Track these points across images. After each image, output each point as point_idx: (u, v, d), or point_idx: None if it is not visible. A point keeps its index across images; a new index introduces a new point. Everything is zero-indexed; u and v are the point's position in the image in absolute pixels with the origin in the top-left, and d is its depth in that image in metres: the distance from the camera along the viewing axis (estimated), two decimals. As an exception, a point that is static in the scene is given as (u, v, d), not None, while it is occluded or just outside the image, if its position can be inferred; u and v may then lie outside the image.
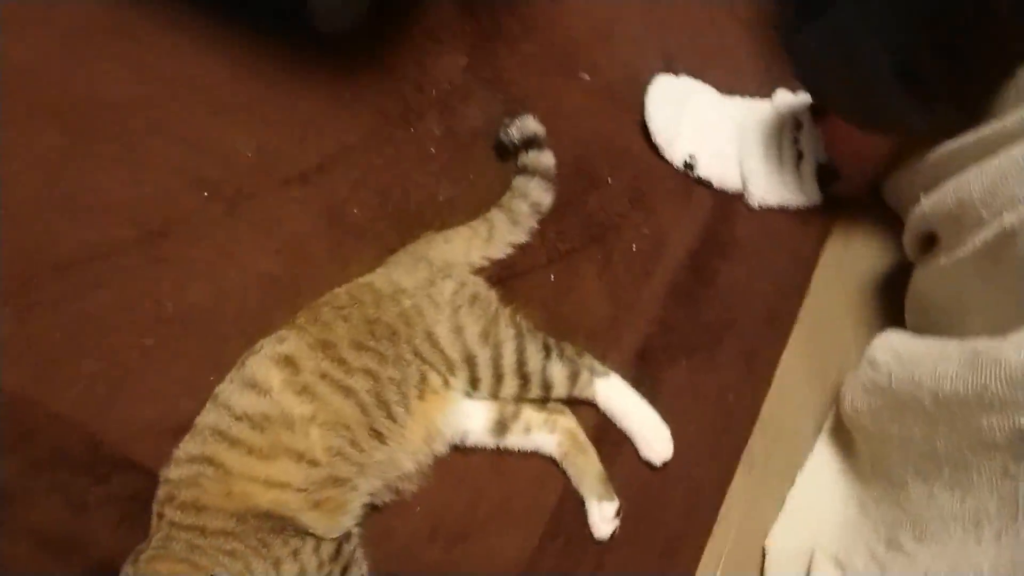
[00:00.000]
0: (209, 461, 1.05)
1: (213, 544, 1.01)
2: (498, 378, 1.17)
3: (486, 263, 1.29)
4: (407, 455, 1.13)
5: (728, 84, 1.47)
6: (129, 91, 1.37)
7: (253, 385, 1.09)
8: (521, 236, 1.32)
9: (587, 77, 1.48)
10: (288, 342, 1.12)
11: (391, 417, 1.11)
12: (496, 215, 1.30)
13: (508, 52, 1.48)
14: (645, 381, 1.25)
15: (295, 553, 1.04)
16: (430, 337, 1.15)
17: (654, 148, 1.42)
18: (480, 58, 1.47)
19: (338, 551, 1.07)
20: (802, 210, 1.41)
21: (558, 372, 1.19)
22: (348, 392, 1.10)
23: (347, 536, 1.10)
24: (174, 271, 1.27)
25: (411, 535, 1.16)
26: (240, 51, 1.42)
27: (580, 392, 1.21)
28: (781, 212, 1.41)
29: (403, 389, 1.12)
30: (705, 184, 1.41)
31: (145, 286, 1.25)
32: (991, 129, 1.06)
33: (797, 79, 1.31)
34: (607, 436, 1.23)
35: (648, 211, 1.39)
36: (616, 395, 1.22)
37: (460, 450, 1.20)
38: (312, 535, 1.06)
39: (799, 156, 1.37)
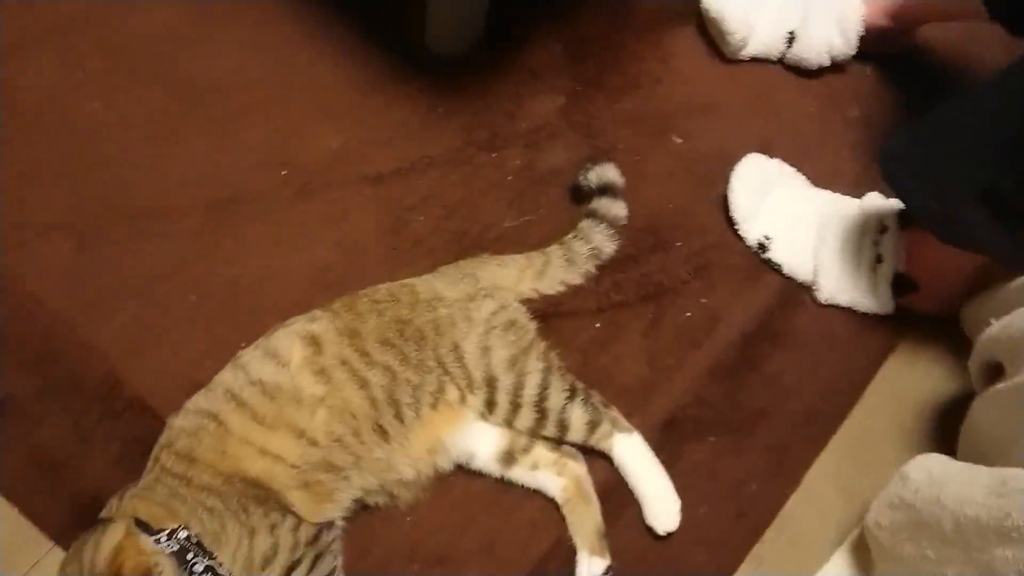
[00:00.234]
0: (214, 417, 1.06)
1: (195, 497, 1.01)
2: (515, 407, 1.14)
3: (535, 295, 1.28)
4: (408, 460, 1.11)
5: (820, 178, 1.44)
6: (237, 70, 1.45)
7: (275, 356, 1.10)
8: (575, 278, 1.30)
9: (679, 141, 1.48)
10: (319, 323, 1.14)
11: (399, 418, 1.10)
12: (554, 251, 1.30)
13: (605, 103, 1.49)
14: (666, 450, 1.21)
15: (273, 527, 1.03)
16: (456, 350, 1.14)
17: (730, 223, 1.40)
18: (576, 103, 1.49)
19: (316, 537, 1.05)
20: (870, 316, 1.35)
21: (578, 416, 1.16)
22: (363, 383, 1.10)
23: (329, 525, 1.08)
24: (233, 240, 1.31)
25: (393, 546, 1.14)
26: (348, 52, 1.49)
27: (597, 443, 1.18)
28: (848, 313, 1.35)
29: (417, 394, 1.12)
30: (774, 268, 1.37)
31: (203, 249, 1.30)
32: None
33: (886, 181, 1.28)
34: (615, 494, 1.18)
35: (710, 283, 1.36)
36: (634, 454, 1.18)
37: (465, 473, 1.17)
38: (294, 514, 1.05)
39: (878, 259, 1.33)
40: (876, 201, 1.37)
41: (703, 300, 1.35)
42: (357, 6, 1.53)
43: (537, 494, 1.17)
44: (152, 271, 1.27)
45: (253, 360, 1.11)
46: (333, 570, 1.06)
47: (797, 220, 1.38)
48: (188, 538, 0.96)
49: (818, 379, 1.32)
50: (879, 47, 1.56)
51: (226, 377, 1.10)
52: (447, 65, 1.49)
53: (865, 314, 1.35)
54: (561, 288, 1.30)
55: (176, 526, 0.97)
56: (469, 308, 1.18)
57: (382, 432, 1.10)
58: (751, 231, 1.38)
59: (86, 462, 1.13)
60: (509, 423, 1.16)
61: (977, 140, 1.10)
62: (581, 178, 1.36)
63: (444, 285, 1.21)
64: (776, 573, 1.19)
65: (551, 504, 1.17)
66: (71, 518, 1.09)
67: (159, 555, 0.93)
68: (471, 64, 1.49)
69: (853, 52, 1.54)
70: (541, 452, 1.17)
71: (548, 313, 1.28)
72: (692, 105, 1.53)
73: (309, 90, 1.45)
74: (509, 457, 1.16)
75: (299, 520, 1.05)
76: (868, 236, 1.34)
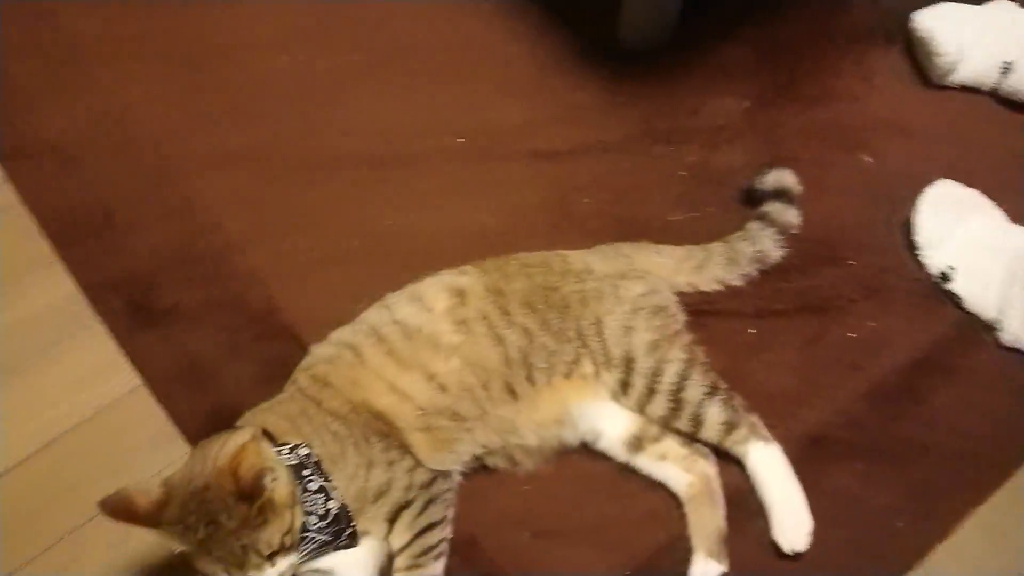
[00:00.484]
0: (353, 349, 1.09)
1: (322, 419, 1.04)
2: (650, 392, 1.11)
3: (690, 290, 1.25)
4: (532, 425, 1.10)
5: (1018, 219, 1.33)
6: (433, 36, 1.50)
7: (420, 300, 1.13)
8: (735, 279, 1.26)
9: (868, 159, 1.40)
10: (467, 276, 1.15)
11: (530, 380, 1.10)
12: (717, 248, 1.26)
13: (794, 111, 1.45)
14: (806, 468, 1.13)
15: (391, 463, 1.04)
16: (598, 324, 1.13)
17: (911, 247, 1.31)
18: (763, 108, 1.45)
19: (431, 482, 1.06)
20: (1058, 367, 1.23)
21: (715, 414, 1.11)
22: (499, 340, 1.10)
23: (446, 475, 1.08)
24: (401, 194, 1.36)
25: (506, 510, 1.12)
26: (540, 35, 1.52)
27: (732, 446, 1.12)
28: (1033, 360, 1.23)
29: (552, 360, 1.11)
30: (954, 300, 1.27)
31: (373, 198, 1.36)
32: None
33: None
34: (744, 503, 1.11)
35: (881, 306, 1.27)
36: (769, 465, 1.11)
37: (589, 454, 1.15)
38: (412, 456, 1.06)
39: (1075, 308, 1.20)
40: (1082, 247, 1.25)
41: (871, 323, 1.27)
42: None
43: (660, 486, 1.13)
44: (321, 211, 1.34)
45: (399, 301, 1.14)
46: (443, 519, 1.06)
47: (988, 254, 1.27)
48: (308, 456, 0.99)
49: (990, 424, 1.20)
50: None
51: (371, 314, 1.14)
52: (634, 57, 1.48)
53: (1052, 364, 1.23)
54: (718, 287, 1.26)
55: (299, 442, 0.99)
56: (618, 285, 1.16)
57: (511, 391, 1.09)
58: (935, 258, 1.29)
59: (229, 376, 1.19)
60: (642, 408, 1.12)
61: None
62: (757, 179, 1.31)
63: (597, 260, 1.19)
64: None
65: (673, 499, 1.12)
66: (210, 427, 1.14)
67: (277, 464, 0.96)
68: (658, 58, 1.48)
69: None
70: (671, 444, 1.12)
71: (702, 310, 1.24)
72: (887, 126, 1.45)
73: (498, 66, 1.49)
74: (637, 443, 1.12)
75: (416, 462, 1.06)
76: (1068, 282, 1.22)
